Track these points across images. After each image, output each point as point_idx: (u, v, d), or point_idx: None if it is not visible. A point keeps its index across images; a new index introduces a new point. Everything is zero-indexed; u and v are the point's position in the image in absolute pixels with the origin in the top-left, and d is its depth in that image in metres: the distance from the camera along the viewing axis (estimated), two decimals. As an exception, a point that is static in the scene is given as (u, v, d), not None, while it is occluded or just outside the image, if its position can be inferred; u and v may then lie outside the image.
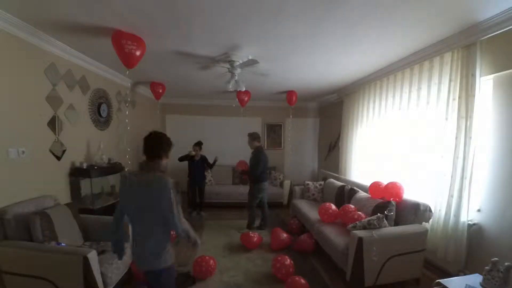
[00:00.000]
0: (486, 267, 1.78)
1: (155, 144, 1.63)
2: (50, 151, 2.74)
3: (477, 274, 1.91)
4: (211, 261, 2.72)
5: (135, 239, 1.64)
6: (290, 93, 5.06)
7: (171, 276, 1.70)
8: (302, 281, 2.38)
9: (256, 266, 2.95)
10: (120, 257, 1.77)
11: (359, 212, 2.90)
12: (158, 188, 1.54)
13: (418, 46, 2.78)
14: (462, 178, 2.43)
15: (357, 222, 2.64)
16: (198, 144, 4.70)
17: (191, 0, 1.93)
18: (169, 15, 2.16)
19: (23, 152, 2.39)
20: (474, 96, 2.35)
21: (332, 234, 2.88)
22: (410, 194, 2.91)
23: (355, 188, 3.60)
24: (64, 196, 2.90)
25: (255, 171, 3.92)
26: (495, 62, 2.26)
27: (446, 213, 2.58)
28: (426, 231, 2.51)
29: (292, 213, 4.47)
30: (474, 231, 2.43)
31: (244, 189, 5.39)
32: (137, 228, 1.63)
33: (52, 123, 2.76)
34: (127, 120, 3.85)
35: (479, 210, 2.43)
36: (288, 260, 2.69)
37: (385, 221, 2.54)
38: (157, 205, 1.54)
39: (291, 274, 2.59)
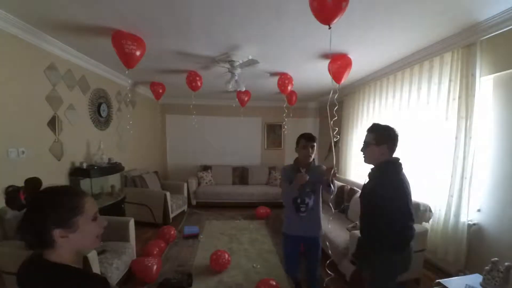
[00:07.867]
0: (486, 267, 1.79)
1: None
2: (50, 151, 2.75)
3: (477, 274, 1.92)
4: (226, 255, 2.88)
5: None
6: (290, 93, 5.05)
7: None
8: None
9: (257, 266, 2.95)
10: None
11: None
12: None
13: (418, 46, 2.79)
14: (462, 178, 2.43)
15: (356, 222, 2.64)
16: None
17: (191, 1, 1.94)
18: (169, 15, 2.16)
19: (23, 152, 2.39)
20: (474, 96, 2.34)
21: (332, 234, 2.88)
22: (410, 194, 2.90)
23: (355, 188, 3.59)
24: (64, 196, 2.90)
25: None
26: (495, 62, 2.26)
27: (446, 213, 2.58)
28: (426, 231, 2.51)
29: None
30: (474, 231, 2.43)
31: (244, 189, 5.39)
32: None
33: (52, 123, 2.76)
34: (128, 116, 3.79)
35: (479, 210, 2.43)
36: None
37: (385, 221, 2.54)
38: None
39: None
